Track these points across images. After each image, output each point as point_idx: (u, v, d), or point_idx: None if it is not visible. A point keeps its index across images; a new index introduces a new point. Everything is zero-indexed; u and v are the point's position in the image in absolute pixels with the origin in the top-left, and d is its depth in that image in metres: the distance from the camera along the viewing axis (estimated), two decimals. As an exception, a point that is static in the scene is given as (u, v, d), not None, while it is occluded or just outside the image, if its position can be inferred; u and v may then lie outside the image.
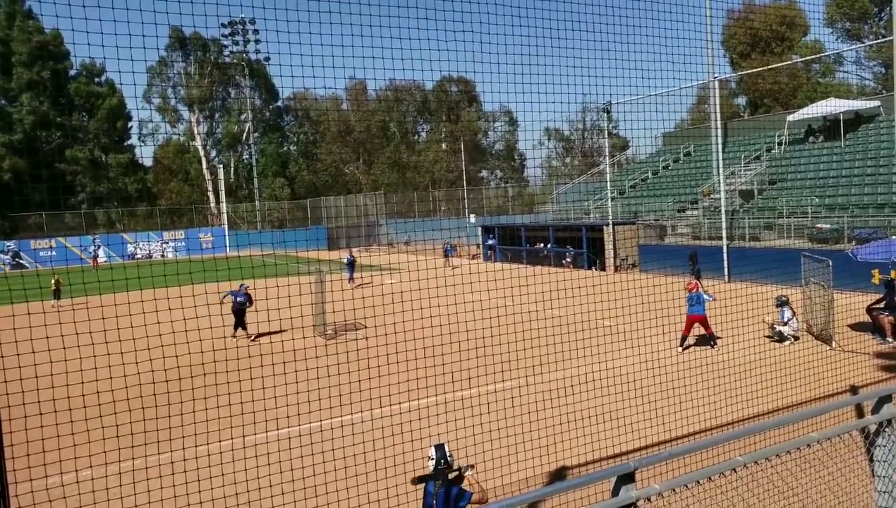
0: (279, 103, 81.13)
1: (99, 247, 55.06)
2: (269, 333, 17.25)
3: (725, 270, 25.86)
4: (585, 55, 8.69)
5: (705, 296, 14.73)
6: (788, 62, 47.99)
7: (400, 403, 10.17)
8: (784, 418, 3.79)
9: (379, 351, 11.26)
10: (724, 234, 26.44)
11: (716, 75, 30.13)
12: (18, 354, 5.34)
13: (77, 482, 6.69)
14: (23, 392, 5.62)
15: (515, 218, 52.71)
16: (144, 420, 6.86)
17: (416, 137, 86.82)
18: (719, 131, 30.52)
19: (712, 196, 32.26)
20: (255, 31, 68.91)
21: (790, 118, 35.20)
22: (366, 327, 17.98)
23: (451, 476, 5.42)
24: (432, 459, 5.44)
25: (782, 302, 14.91)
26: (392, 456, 7.51)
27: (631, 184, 42.10)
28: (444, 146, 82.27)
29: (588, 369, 11.05)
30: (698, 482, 2.94)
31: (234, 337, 17.95)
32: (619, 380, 10.46)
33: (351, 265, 30.52)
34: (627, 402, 9.44)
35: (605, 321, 13.98)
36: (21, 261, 51.79)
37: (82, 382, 6.51)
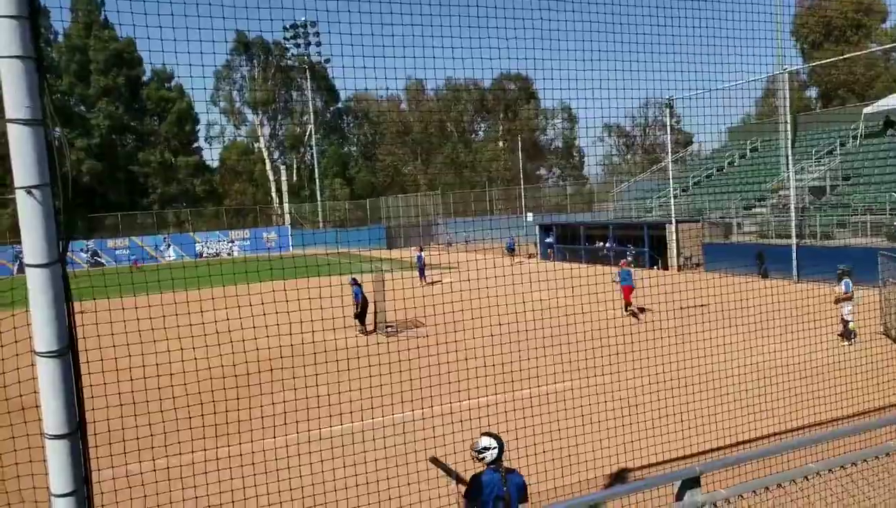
0: (339, 105, 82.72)
1: (168, 245, 57.45)
2: (337, 328, 17.63)
3: (794, 270, 24.87)
4: (648, 49, 8.53)
5: (630, 271, 19.55)
6: (865, 51, 45.65)
7: (459, 402, 10.24)
8: (860, 424, 3.66)
9: (439, 349, 11.35)
10: (793, 232, 25.42)
11: (785, 67, 28.98)
12: (101, 348, 5.67)
13: (154, 470, 7.05)
14: (104, 384, 5.97)
15: (574, 216, 52.08)
16: (215, 413, 7.14)
17: (473, 136, 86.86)
18: (789, 125, 29.33)
19: (781, 192, 31.06)
20: (317, 34, 70.37)
21: (866, 110, 33.51)
22: (425, 325, 18.16)
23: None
24: (493, 448, 5.32)
25: (845, 272, 14.42)
26: (452, 454, 7.57)
27: (695, 181, 40.96)
28: (501, 144, 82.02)
29: (649, 370, 10.87)
30: (767, 488, 2.88)
31: (363, 331, 18.86)
32: (682, 382, 10.24)
33: (421, 262, 30.65)
34: (689, 405, 9.23)
35: (668, 321, 13.68)
36: (99, 260, 54.51)
37: (157, 376, 6.85)
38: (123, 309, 8.13)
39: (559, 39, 7.73)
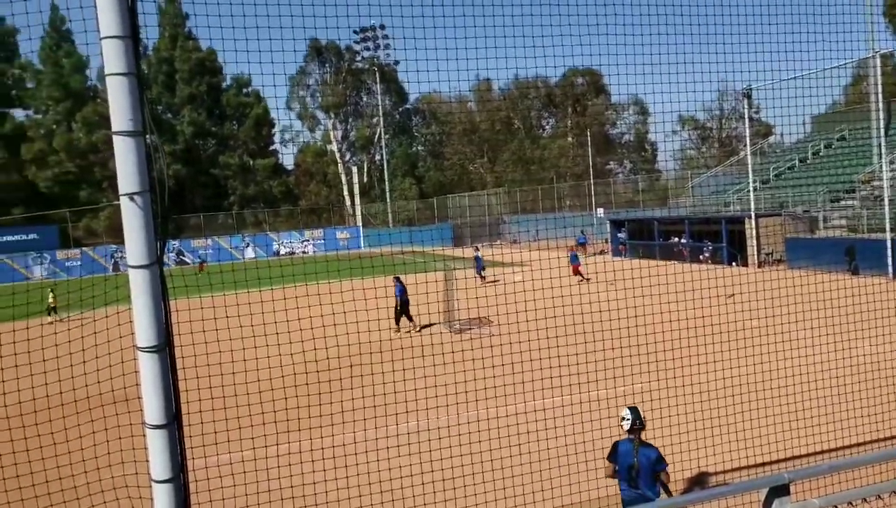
0: (408, 105, 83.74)
1: (248, 245, 59.73)
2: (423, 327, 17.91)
3: (890, 266, 23.40)
4: (723, 39, 8.21)
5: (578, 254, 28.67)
6: (967, 30, 42.36)
7: (526, 402, 10.20)
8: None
9: (506, 349, 11.33)
10: (887, 226, 23.91)
11: (877, 50, 27.27)
12: (194, 343, 5.99)
13: (242, 461, 7.40)
14: (197, 377, 6.29)
15: (647, 211, 50.79)
16: (298, 407, 7.41)
17: (540, 131, 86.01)
18: (881, 112, 27.59)
19: (873, 183, 29.27)
20: (385, 37, 71.56)
21: (969, 94, 31.13)
22: (493, 323, 18.16)
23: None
24: (627, 419, 5.97)
25: None
26: (518, 455, 7.58)
27: (776, 173, 39.15)
28: (569, 139, 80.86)
29: (732, 371, 10.50)
30: (865, 500, 2.75)
31: (396, 330, 18.95)
32: (765, 384, 9.84)
33: (480, 262, 30.75)
34: (774, 407, 8.86)
35: (751, 321, 13.16)
36: (183, 259, 57.27)
37: (245, 371, 7.18)
38: (213, 307, 8.52)
39: (629, 34, 7.56)
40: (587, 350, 10.30)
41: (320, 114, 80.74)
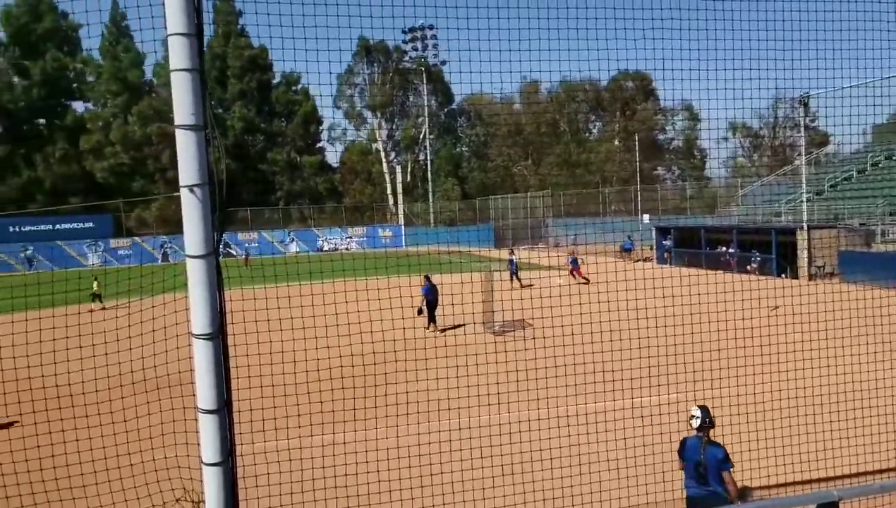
0: (453, 106, 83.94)
1: (293, 239, 60.81)
2: (452, 327, 18.00)
3: (951, 283, 22.41)
4: (780, 45, 8.00)
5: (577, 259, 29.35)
6: None
7: (568, 406, 10.13)
8: None
9: (549, 352, 11.28)
10: (949, 242, 22.92)
11: (944, 59, 26.12)
12: (245, 333, 6.14)
13: (288, 448, 7.57)
14: (248, 366, 6.46)
15: (694, 218, 49.78)
16: (344, 398, 7.53)
17: (587, 134, 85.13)
18: (947, 123, 26.43)
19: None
20: (434, 37, 71.85)
21: None
22: (533, 326, 18.08)
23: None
24: (696, 417, 6.11)
25: None
26: (555, 458, 7.55)
27: (831, 184, 37.91)
28: (616, 142, 79.84)
29: (778, 385, 10.23)
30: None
31: (427, 328, 18.98)
32: (813, 399, 9.55)
33: (514, 265, 30.39)
34: (824, 424, 8.60)
35: (800, 334, 12.79)
36: (230, 251, 58.67)
37: (294, 362, 7.32)
38: (255, 299, 8.73)
39: (681, 39, 7.43)
40: (626, 357, 10.19)
41: (367, 113, 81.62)
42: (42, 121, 69.08)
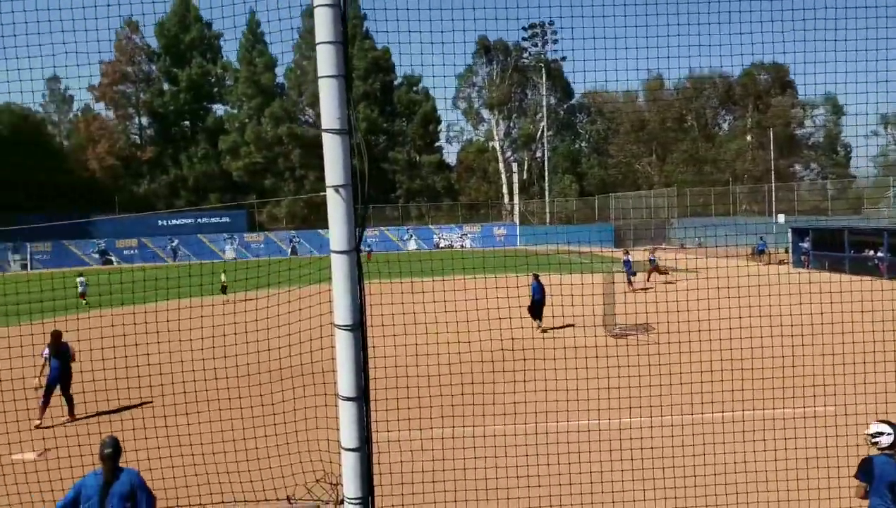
0: (573, 101, 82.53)
1: (411, 236, 62.48)
2: (561, 327, 17.78)
3: None
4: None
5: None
6: None
7: (693, 413, 9.70)
8: None
9: (673, 359, 10.87)
10: None
11: None
12: (383, 325, 6.45)
13: (409, 439, 7.83)
14: (385, 357, 6.73)
15: (837, 219, 45.87)
16: (473, 393, 7.66)
17: (716, 130, 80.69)
18: None
19: None
20: (554, 33, 71.01)
21: None
22: (656, 330, 17.46)
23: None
24: (889, 434, 5.58)
25: None
26: (679, 467, 7.25)
27: None
28: (749, 138, 75.08)
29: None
30: None
31: (537, 328, 18.81)
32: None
33: (629, 267, 29.13)
34: None
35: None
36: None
37: (416, 355, 7.58)
38: (380, 293, 9.08)
39: (821, 28, 6.89)
40: (763, 365, 9.62)
41: (484, 112, 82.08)
42: (187, 123, 75.45)
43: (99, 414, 11.02)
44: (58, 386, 11.96)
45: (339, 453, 3.94)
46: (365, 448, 3.94)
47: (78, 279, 29.30)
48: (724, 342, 9.72)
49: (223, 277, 28.14)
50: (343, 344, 3.90)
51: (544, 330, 18.79)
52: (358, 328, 3.92)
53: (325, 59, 3.81)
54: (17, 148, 60.56)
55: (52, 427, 11.33)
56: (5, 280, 34.80)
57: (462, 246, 62.49)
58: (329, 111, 3.86)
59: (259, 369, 11.32)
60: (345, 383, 3.91)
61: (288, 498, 5.63)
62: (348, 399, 3.90)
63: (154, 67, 74.64)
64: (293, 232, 63.19)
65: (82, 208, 58.94)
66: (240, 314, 9.82)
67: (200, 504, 6.58)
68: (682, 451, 7.62)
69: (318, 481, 4.70)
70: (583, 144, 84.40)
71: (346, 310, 3.89)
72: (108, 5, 6.84)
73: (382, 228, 62.52)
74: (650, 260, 30.02)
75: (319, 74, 3.86)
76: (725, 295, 10.14)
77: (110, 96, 72.30)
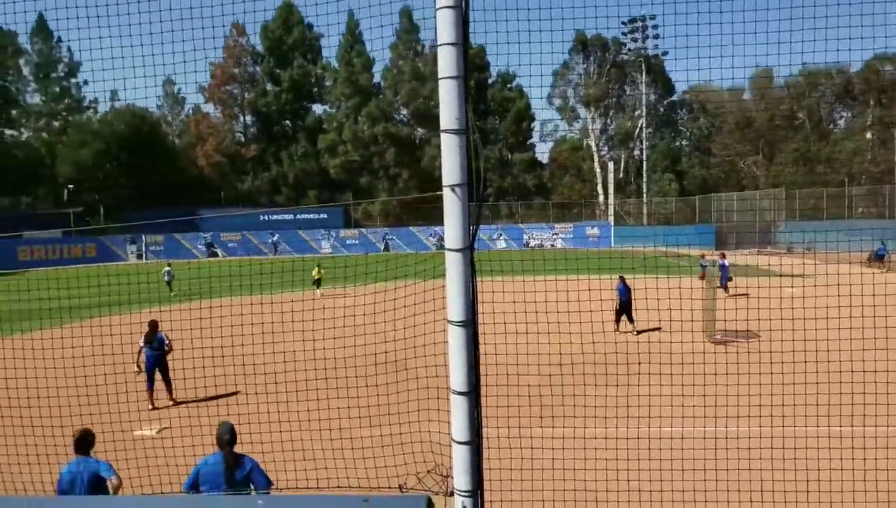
0: (674, 97, 79.63)
1: (500, 235, 62.44)
2: (650, 331, 17.32)
3: None
4: None
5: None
6: None
7: (807, 426, 9.16)
8: None
9: (777, 368, 10.30)
10: None
11: None
12: (494, 323, 6.54)
13: (508, 437, 7.87)
14: (495, 353, 6.73)
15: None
16: (585, 395, 7.60)
17: (831, 127, 75.47)
18: None
19: None
20: (655, 27, 68.83)
21: None
22: (759, 337, 16.64)
23: None
24: None
25: None
26: (791, 481, 6.87)
27: None
28: (868, 135, 69.74)
29: None
30: None
31: (620, 330, 18.59)
32: None
33: (725, 271, 27.35)
34: None
35: None
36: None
37: (517, 353, 7.61)
38: (493, 291, 9.15)
39: None
40: (890, 380, 8.97)
41: (580, 109, 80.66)
42: (288, 122, 78.69)
43: (217, 397, 11.70)
44: (156, 372, 12.79)
45: (450, 446, 4.03)
46: (476, 442, 4.00)
47: (164, 269, 31.31)
48: (840, 353, 9.14)
49: (316, 272, 28.85)
50: (456, 339, 3.98)
51: (637, 332, 18.40)
52: (471, 324, 3.99)
53: (446, 61, 3.90)
54: (136, 146, 65.49)
55: (167, 408, 12.22)
56: (138, 270, 37.49)
57: (552, 245, 61.70)
58: (448, 111, 3.94)
59: (366, 361, 11.71)
60: (457, 378, 3.99)
61: (400, 487, 5.80)
62: (460, 393, 3.98)
63: (258, 68, 78.34)
64: (386, 229, 64.63)
65: (191, 203, 62.85)
66: (348, 307, 10.19)
67: (317, 486, 6.90)
68: (793, 464, 7.24)
69: (428, 472, 4.82)
70: (684, 142, 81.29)
71: (459, 307, 3.97)
72: (222, 8, 7.27)
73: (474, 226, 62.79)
74: (720, 264, 26.30)
75: (440, 76, 3.95)
76: (844, 304, 9.52)
77: (218, 97, 76.55)
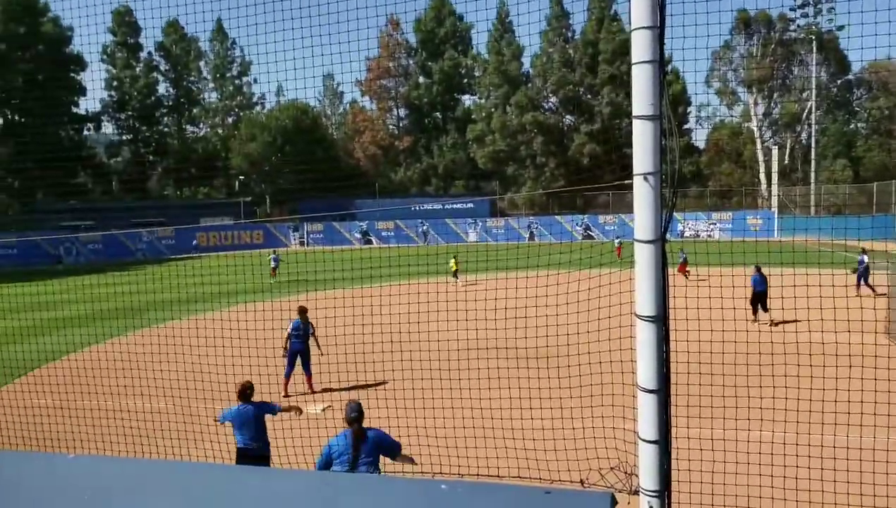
0: (849, 76, 71.55)
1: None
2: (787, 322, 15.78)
3: None
4: None
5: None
6: None
7: None
8: None
9: None
10: None
11: None
12: (687, 318, 6.30)
13: (723, 439, 7.45)
14: (688, 351, 6.44)
15: None
16: (724, 396, 7.09)
17: None
18: None
19: None
20: (829, 0, 62.18)
21: None
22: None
23: None
24: None
25: None
26: None
27: None
28: None
29: None
30: None
31: (753, 320, 18.22)
32: None
33: (863, 266, 23.78)
34: None
35: None
36: (591, 233, 60.61)
37: (688, 352, 7.21)
38: (620, 282, 8.80)
39: None
40: None
41: (741, 91, 74.97)
42: (438, 114, 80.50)
43: (370, 385, 12.12)
44: (298, 359, 12.78)
45: (636, 443, 3.91)
46: (664, 441, 3.85)
47: (271, 256, 32.37)
48: None
49: (453, 262, 28.69)
50: (644, 335, 3.85)
51: (774, 324, 17.27)
52: (661, 320, 3.83)
53: (641, 45, 3.76)
54: (298, 139, 70.30)
55: (330, 391, 12.67)
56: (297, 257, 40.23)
57: (709, 235, 58.07)
58: (642, 97, 3.79)
59: (548, 353, 11.73)
60: (645, 374, 3.86)
61: (581, 482, 5.75)
62: (648, 391, 3.85)
63: (412, 62, 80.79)
64: (531, 218, 64.31)
65: (348, 193, 66.31)
66: (531, 298, 10.22)
67: (498, 475, 7.01)
68: None
69: (612, 469, 4.71)
70: (860, 124, 72.92)
71: (649, 301, 3.82)
72: (376, 9, 7.58)
73: (621, 215, 60.64)
74: (859, 260, 23.68)
75: (634, 60, 3.81)
76: None
77: (374, 90, 79.99)
